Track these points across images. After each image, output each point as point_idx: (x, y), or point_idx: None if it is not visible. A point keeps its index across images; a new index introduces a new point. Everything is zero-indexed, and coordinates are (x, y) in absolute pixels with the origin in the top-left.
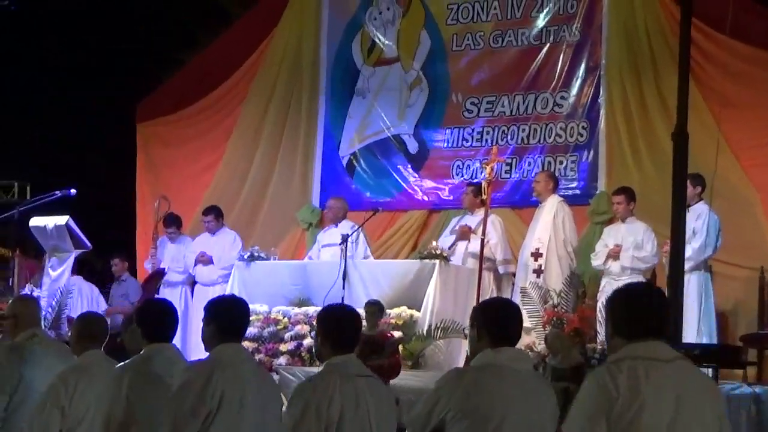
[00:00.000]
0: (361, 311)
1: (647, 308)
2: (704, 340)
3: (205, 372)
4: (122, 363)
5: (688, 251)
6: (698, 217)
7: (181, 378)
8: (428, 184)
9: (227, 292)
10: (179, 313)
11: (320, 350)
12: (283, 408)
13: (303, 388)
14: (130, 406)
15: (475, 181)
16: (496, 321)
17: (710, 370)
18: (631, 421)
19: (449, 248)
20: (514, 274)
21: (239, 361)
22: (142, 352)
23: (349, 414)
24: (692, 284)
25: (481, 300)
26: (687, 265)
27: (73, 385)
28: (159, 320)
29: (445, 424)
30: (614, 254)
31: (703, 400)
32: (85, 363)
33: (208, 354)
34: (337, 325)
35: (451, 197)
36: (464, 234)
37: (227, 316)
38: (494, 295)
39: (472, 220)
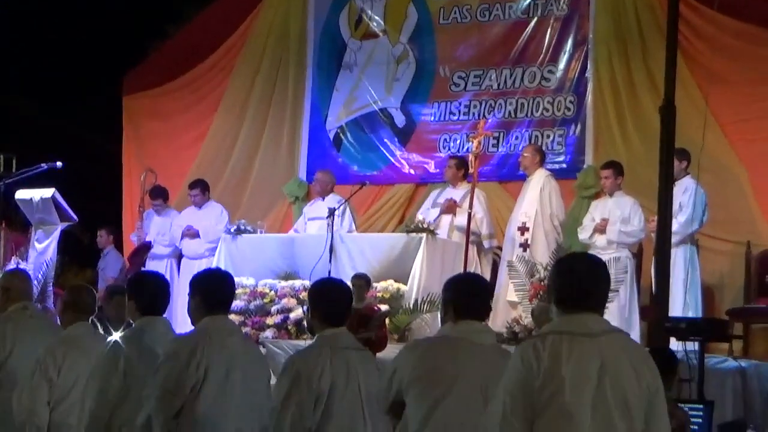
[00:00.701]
0: (348, 285)
1: (582, 280)
2: (690, 314)
3: (191, 344)
4: (115, 336)
5: (674, 225)
6: (684, 192)
7: (167, 350)
8: (415, 157)
9: (214, 266)
10: None
11: (311, 324)
12: (271, 380)
13: (294, 360)
14: (127, 380)
15: (459, 154)
16: (460, 295)
17: (696, 343)
18: (550, 399)
19: (434, 221)
20: (499, 248)
21: (225, 333)
22: (134, 325)
23: (339, 386)
24: (678, 258)
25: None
26: (673, 239)
27: (61, 357)
28: (153, 293)
29: (402, 393)
30: (601, 228)
31: (631, 374)
32: (73, 335)
33: (194, 327)
34: (328, 299)
35: (438, 171)
36: (450, 208)
37: (212, 289)
38: (478, 269)
39: (455, 193)
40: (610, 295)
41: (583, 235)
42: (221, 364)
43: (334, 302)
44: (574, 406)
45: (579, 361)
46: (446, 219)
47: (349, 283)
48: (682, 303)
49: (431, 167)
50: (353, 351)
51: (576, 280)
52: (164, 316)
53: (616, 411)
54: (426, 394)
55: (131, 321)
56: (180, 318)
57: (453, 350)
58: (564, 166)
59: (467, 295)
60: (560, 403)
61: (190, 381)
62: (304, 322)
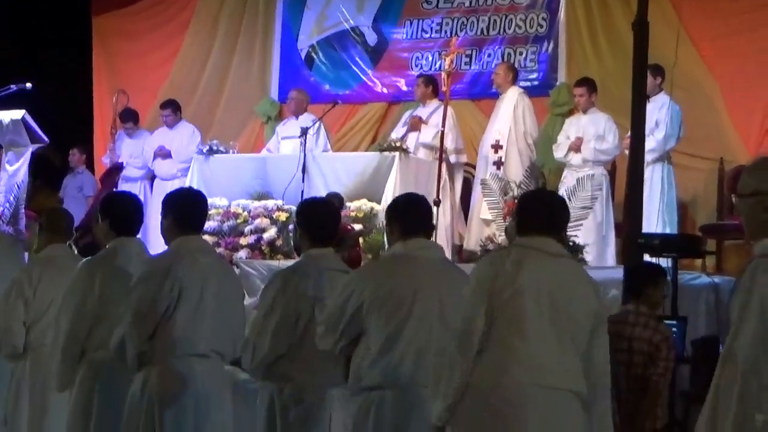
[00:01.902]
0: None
1: (545, 209)
2: (667, 231)
3: (164, 264)
4: (90, 257)
5: (652, 142)
6: (661, 108)
7: (141, 271)
8: (387, 76)
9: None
10: None
11: (299, 243)
12: (245, 300)
13: (279, 275)
14: (103, 300)
15: (426, 72)
16: (404, 215)
17: (670, 260)
18: (510, 299)
19: (401, 139)
20: (468, 164)
21: (199, 253)
22: (108, 246)
23: (319, 306)
24: (656, 175)
25: (439, 191)
26: (650, 157)
27: (36, 277)
28: (126, 214)
29: (362, 318)
30: (576, 147)
31: (582, 295)
32: (49, 256)
33: (167, 247)
34: (316, 219)
35: (409, 89)
36: (415, 125)
37: (185, 209)
38: (447, 186)
39: (424, 111)
40: (586, 211)
41: (558, 153)
42: (195, 284)
43: (322, 223)
44: (527, 313)
45: (537, 274)
46: (413, 136)
47: None
48: (658, 221)
49: (403, 86)
50: (337, 272)
51: (545, 209)
52: (138, 236)
53: (566, 325)
54: (389, 316)
55: (104, 242)
56: (153, 239)
57: (409, 267)
58: (537, 83)
59: (411, 214)
60: (515, 308)
61: (164, 302)
62: (291, 242)
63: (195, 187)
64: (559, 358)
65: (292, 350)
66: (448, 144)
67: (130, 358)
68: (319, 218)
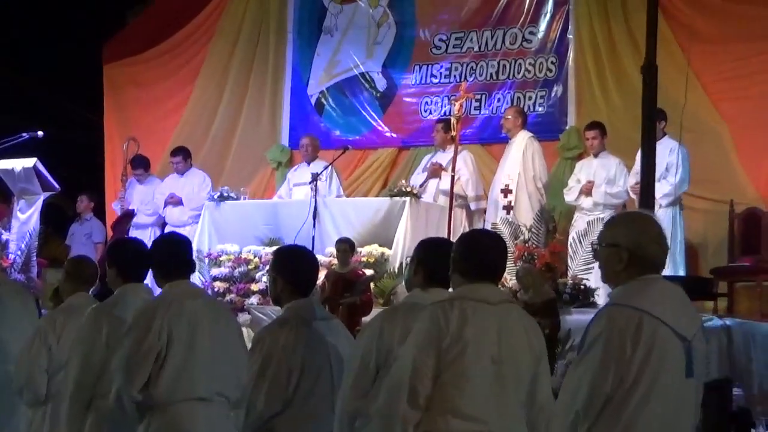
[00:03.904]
0: (332, 249)
1: (485, 254)
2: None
3: (149, 312)
4: (96, 305)
5: (666, 187)
6: (671, 152)
7: (131, 320)
8: (397, 121)
9: (198, 233)
10: None
11: (280, 295)
12: (242, 336)
13: (263, 336)
14: (110, 347)
15: (446, 117)
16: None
17: None
18: (456, 356)
19: (420, 186)
20: (485, 211)
21: (186, 297)
22: (115, 293)
23: (309, 359)
24: (666, 219)
25: (453, 236)
26: (665, 201)
27: (60, 326)
28: (132, 260)
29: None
30: (587, 190)
31: (524, 340)
32: (73, 305)
33: None
34: (298, 268)
35: (420, 135)
36: (435, 171)
37: (166, 255)
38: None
39: (444, 157)
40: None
41: (570, 197)
42: (183, 328)
43: (304, 271)
44: (473, 367)
45: (481, 326)
46: (433, 183)
47: (333, 248)
48: (668, 264)
49: (413, 131)
50: (322, 321)
51: (485, 254)
52: (145, 282)
53: (509, 373)
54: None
55: (112, 288)
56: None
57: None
58: (546, 127)
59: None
60: (462, 363)
61: (154, 349)
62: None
63: (206, 233)
64: (502, 407)
65: (284, 406)
66: (469, 191)
67: (128, 409)
68: (299, 267)
